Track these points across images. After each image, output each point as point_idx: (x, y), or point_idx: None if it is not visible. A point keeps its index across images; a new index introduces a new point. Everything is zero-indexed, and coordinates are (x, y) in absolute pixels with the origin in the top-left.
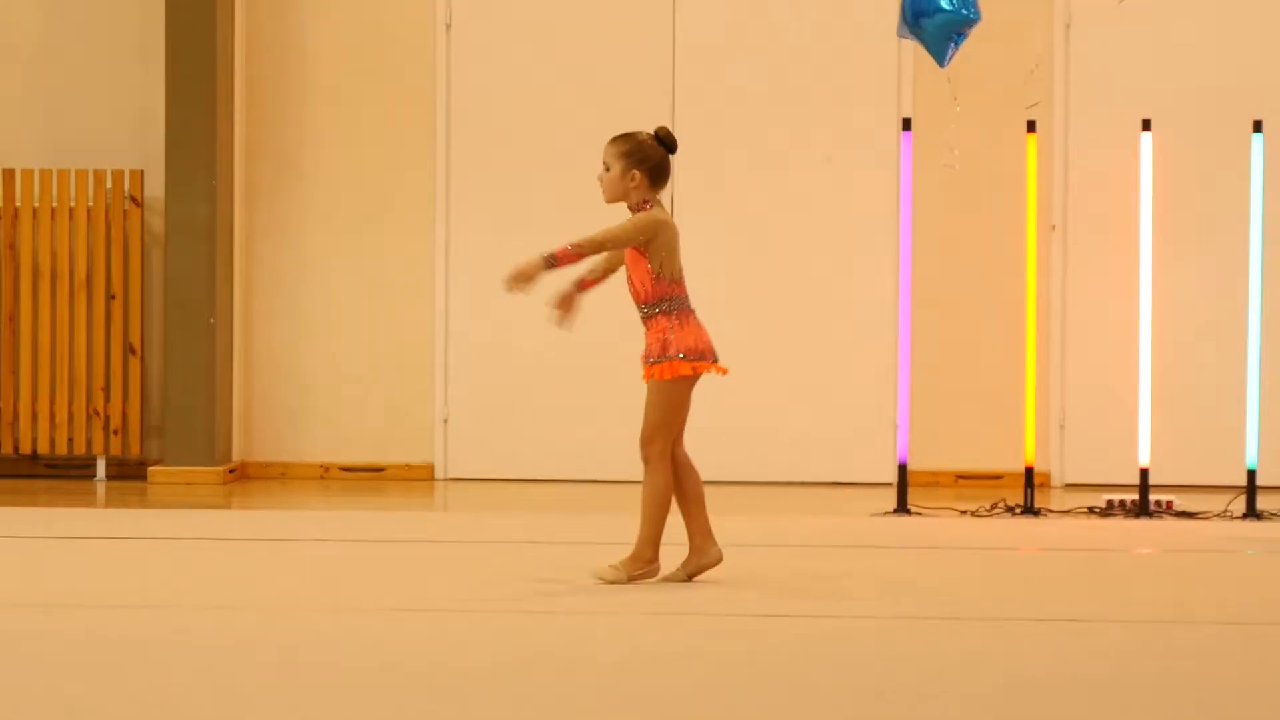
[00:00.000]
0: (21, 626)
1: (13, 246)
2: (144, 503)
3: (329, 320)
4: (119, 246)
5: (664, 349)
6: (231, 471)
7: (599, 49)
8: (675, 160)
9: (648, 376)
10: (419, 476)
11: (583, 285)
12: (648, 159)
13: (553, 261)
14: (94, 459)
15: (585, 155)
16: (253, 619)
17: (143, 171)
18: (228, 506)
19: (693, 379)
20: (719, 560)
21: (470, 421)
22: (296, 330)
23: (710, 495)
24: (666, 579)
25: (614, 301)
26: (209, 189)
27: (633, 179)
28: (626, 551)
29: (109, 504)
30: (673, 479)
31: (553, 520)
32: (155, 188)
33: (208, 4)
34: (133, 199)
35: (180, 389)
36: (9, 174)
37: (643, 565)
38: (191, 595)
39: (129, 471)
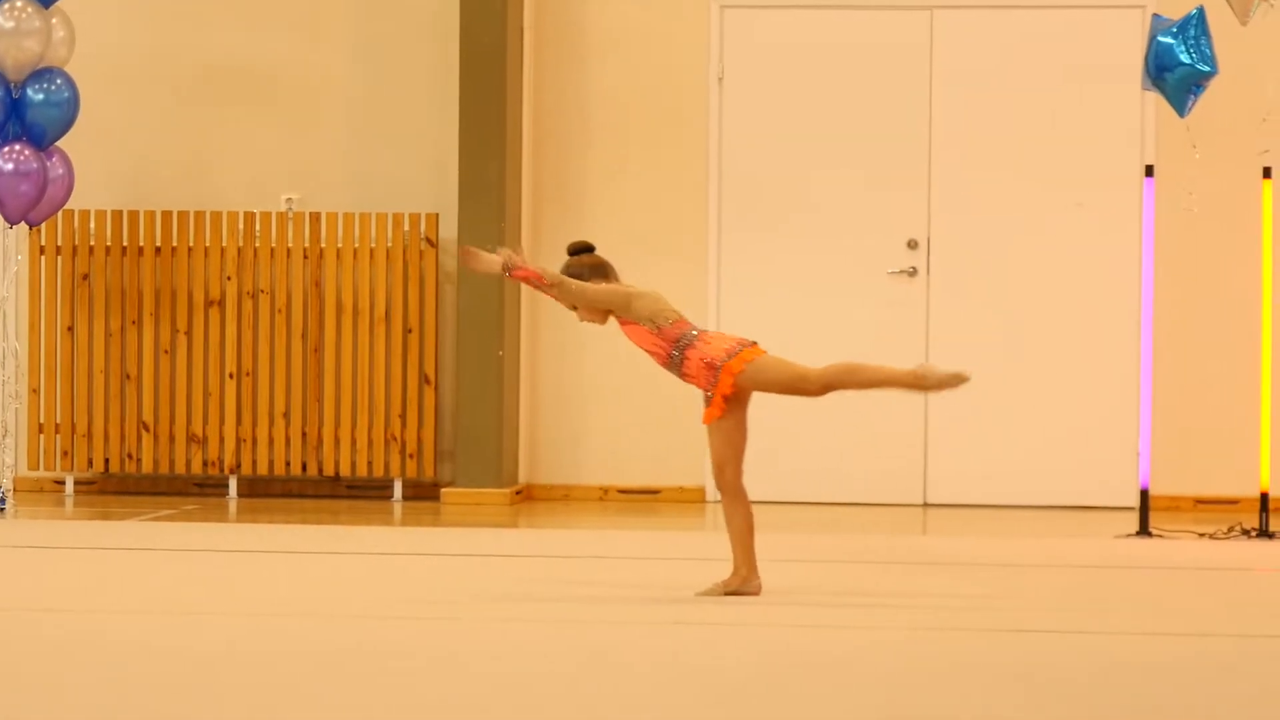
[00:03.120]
0: (329, 636)
1: (319, 284)
2: (437, 522)
3: (608, 353)
4: (416, 284)
5: (712, 371)
6: (518, 493)
7: (860, 100)
8: (934, 197)
9: (720, 409)
10: (691, 499)
11: (513, 274)
12: (583, 275)
13: (509, 270)
14: (391, 481)
15: (848, 198)
16: (544, 630)
17: (438, 215)
18: (515, 526)
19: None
20: (758, 591)
21: None
22: (578, 362)
23: (959, 518)
24: (703, 593)
25: (877, 333)
26: (498, 231)
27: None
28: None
29: (405, 523)
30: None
31: (796, 540)
32: (449, 229)
33: (498, 60)
34: (429, 240)
35: (471, 416)
36: (316, 217)
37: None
38: (480, 607)
39: (423, 493)
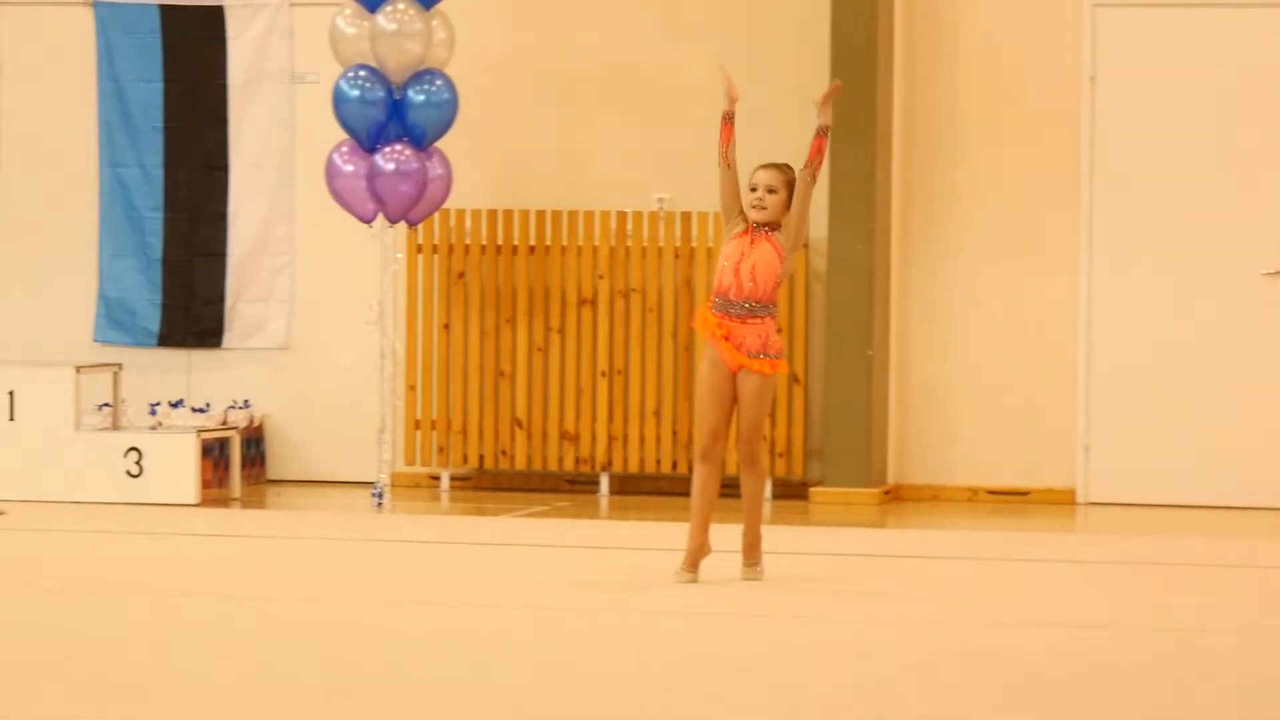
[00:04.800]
0: (703, 633)
1: (690, 283)
2: (806, 520)
3: (977, 351)
4: (784, 283)
5: (764, 348)
6: (887, 493)
7: (1235, 98)
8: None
9: (756, 369)
10: (1062, 501)
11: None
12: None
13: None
14: None
15: (1222, 198)
16: (899, 632)
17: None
18: (883, 525)
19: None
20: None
21: (1112, 448)
22: (946, 360)
23: None
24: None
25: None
26: (868, 230)
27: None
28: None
29: (774, 521)
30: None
31: (1186, 544)
32: (819, 229)
33: (869, 60)
34: None
35: (840, 415)
36: (687, 216)
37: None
38: (849, 608)
39: (792, 491)
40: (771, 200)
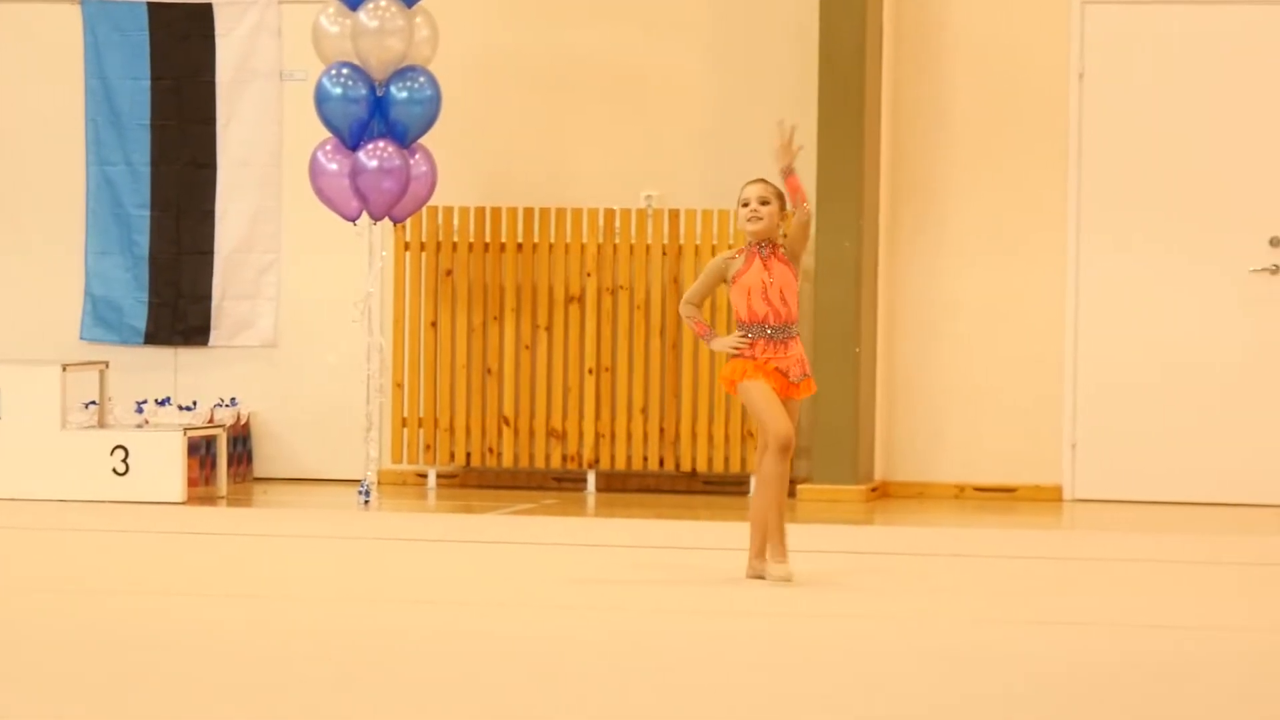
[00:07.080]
0: (670, 630)
1: (678, 280)
2: (793, 518)
3: (964, 349)
4: None
5: (804, 369)
6: (874, 490)
7: (1221, 95)
8: None
9: (806, 393)
10: (1048, 497)
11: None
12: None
13: (787, 173)
14: (747, 476)
15: (1209, 195)
16: (885, 629)
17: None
18: (870, 523)
19: None
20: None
21: (1098, 445)
22: (934, 358)
23: None
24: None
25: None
26: (855, 229)
27: (783, 218)
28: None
29: None
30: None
31: (1172, 541)
32: None
33: (857, 58)
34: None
35: (828, 413)
36: (675, 214)
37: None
38: (827, 605)
39: None
40: (766, 211)
